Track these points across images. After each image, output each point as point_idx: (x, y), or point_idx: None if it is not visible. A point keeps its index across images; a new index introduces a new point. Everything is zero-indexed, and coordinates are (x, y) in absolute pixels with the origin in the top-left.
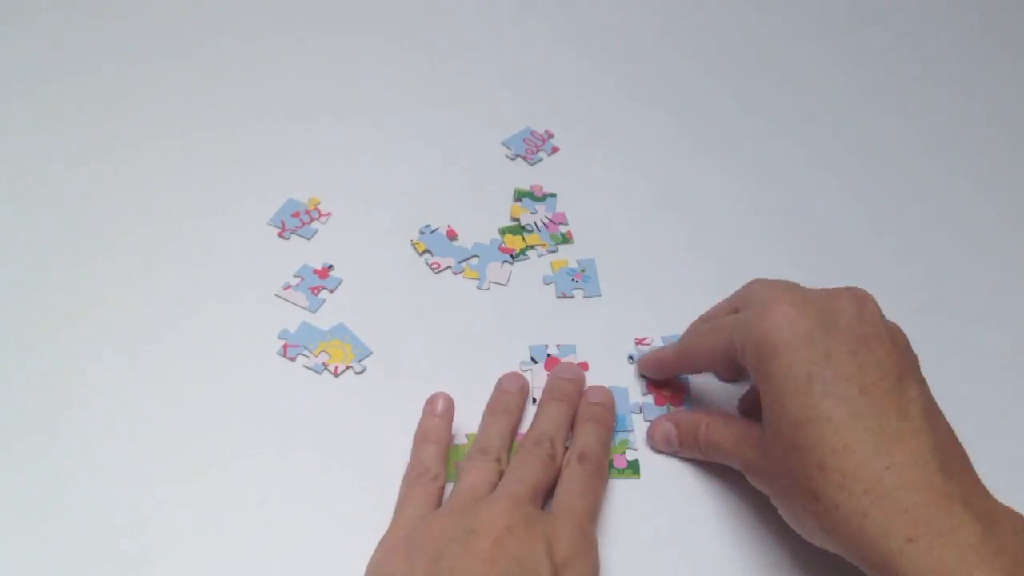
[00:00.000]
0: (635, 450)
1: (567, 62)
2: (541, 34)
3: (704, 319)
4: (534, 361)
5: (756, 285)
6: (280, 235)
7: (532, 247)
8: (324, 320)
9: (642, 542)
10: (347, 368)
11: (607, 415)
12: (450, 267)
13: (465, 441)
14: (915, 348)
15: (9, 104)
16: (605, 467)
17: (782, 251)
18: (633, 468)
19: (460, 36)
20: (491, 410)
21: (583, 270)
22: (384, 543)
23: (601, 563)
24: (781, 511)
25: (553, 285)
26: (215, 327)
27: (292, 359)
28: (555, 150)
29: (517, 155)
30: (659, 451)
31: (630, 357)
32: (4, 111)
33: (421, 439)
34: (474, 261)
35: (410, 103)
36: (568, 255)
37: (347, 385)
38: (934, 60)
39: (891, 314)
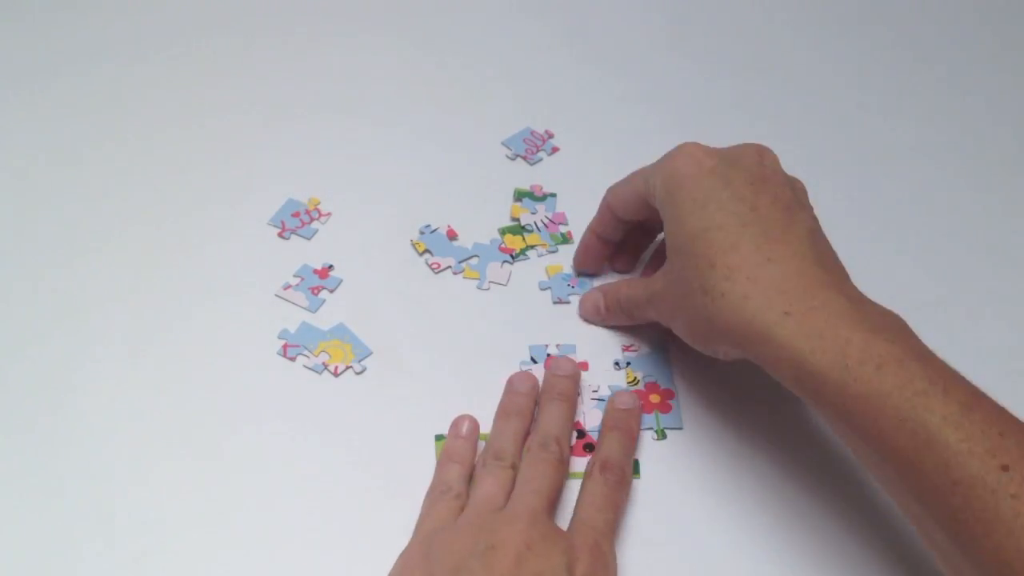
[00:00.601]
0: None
1: (567, 62)
2: (541, 34)
3: (593, 230)
4: (534, 361)
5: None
6: (280, 235)
7: (532, 247)
8: (324, 320)
9: (643, 542)
10: (347, 368)
11: (632, 424)
12: (450, 267)
13: None
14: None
15: (8, 103)
16: (629, 478)
17: None
18: (634, 469)
19: (461, 36)
20: (503, 412)
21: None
22: (403, 557)
23: None
24: (678, 328)
25: (549, 291)
26: (215, 327)
27: (292, 359)
28: (555, 150)
29: (517, 155)
30: (590, 320)
31: (616, 363)
32: (3, 109)
33: (446, 459)
34: (474, 261)
35: (410, 103)
36: (566, 258)
37: (347, 385)
38: (937, 58)
39: (900, 310)
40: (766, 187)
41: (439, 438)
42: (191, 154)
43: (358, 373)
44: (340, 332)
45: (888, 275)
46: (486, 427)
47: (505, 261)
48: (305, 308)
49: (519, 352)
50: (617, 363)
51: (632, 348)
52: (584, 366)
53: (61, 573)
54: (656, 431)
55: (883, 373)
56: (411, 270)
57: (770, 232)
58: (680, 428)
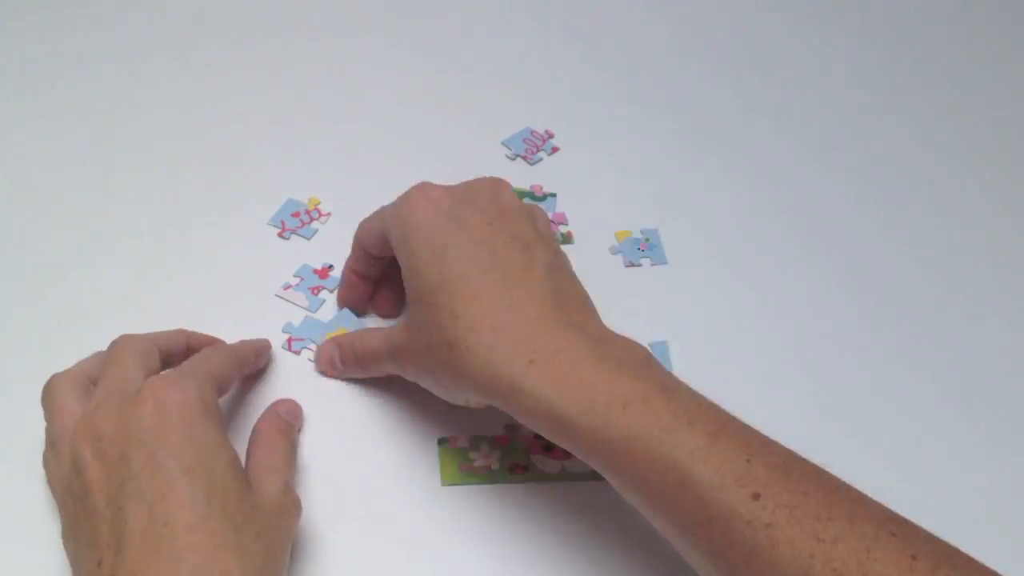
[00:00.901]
0: None
1: (567, 61)
2: (542, 34)
3: (351, 267)
4: None
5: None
6: (280, 235)
7: None
8: (324, 320)
9: (644, 543)
10: None
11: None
12: None
13: (468, 444)
14: (922, 346)
15: (8, 104)
16: (219, 351)
17: (787, 249)
18: None
19: (461, 36)
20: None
21: (648, 239)
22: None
23: (602, 566)
24: (425, 382)
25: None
26: (215, 327)
27: (297, 352)
28: (555, 150)
29: (517, 155)
30: (326, 374)
31: None
32: (3, 111)
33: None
34: None
35: (410, 103)
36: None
37: (348, 384)
38: (940, 59)
39: (897, 311)
40: (504, 225)
41: (441, 441)
42: (191, 155)
43: None
44: (344, 320)
45: (888, 275)
46: (485, 429)
47: None
48: (305, 308)
49: None
50: None
51: None
52: None
53: None
54: None
55: (629, 413)
56: None
57: (509, 276)
58: None
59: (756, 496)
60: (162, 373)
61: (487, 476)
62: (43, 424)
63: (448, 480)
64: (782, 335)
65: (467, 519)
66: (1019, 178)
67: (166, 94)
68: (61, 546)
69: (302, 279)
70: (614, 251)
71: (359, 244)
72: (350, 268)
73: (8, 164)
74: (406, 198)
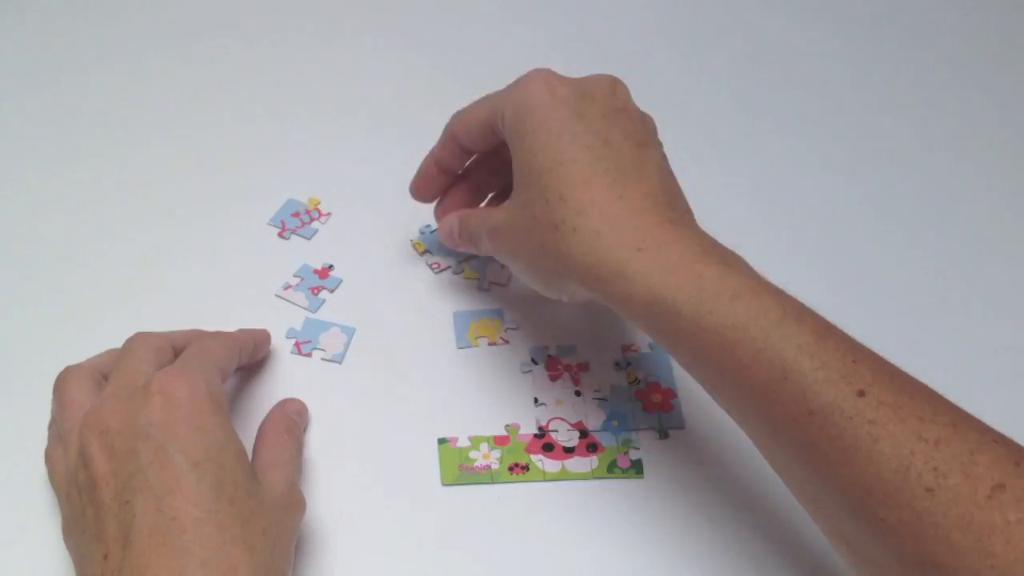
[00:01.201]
0: (638, 449)
1: (565, 61)
2: (539, 34)
3: (435, 160)
4: (534, 363)
5: None
6: (280, 235)
7: None
8: (331, 315)
9: (646, 543)
10: None
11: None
12: (450, 267)
13: (468, 444)
14: (924, 344)
15: (9, 103)
16: (219, 338)
17: (785, 251)
18: (636, 468)
19: (457, 34)
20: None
21: None
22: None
23: (603, 566)
24: (518, 266)
25: None
26: (216, 327)
27: (308, 355)
28: None
29: None
30: (447, 244)
31: (616, 364)
32: (3, 111)
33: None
34: (474, 261)
35: (410, 103)
36: None
37: (348, 383)
38: (939, 58)
39: (901, 310)
40: (619, 120)
41: (442, 441)
42: (191, 155)
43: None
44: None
45: (889, 275)
46: (485, 429)
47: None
48: (305, 308)
49: (519, 352)
50: (618, 363)
51: (633, 348)
52: (585, 366)
53: None
54: (659, 430)
55: (738, 304)
56: (411, 270)
57: (623, 168)
58: (682, 427)
59: (861, 393)
60: (168, 367)
61: (487, 476)
62: (45, 421)
63: (448, 480)
64: None
65: (467, 519)
66: (1019, 178)
67: (166, 94)
68: (60, 543)
69: (302, 279)
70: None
71: (452, 135)
72: (433, 159)
73: (8, 162)
74: (523, 82)
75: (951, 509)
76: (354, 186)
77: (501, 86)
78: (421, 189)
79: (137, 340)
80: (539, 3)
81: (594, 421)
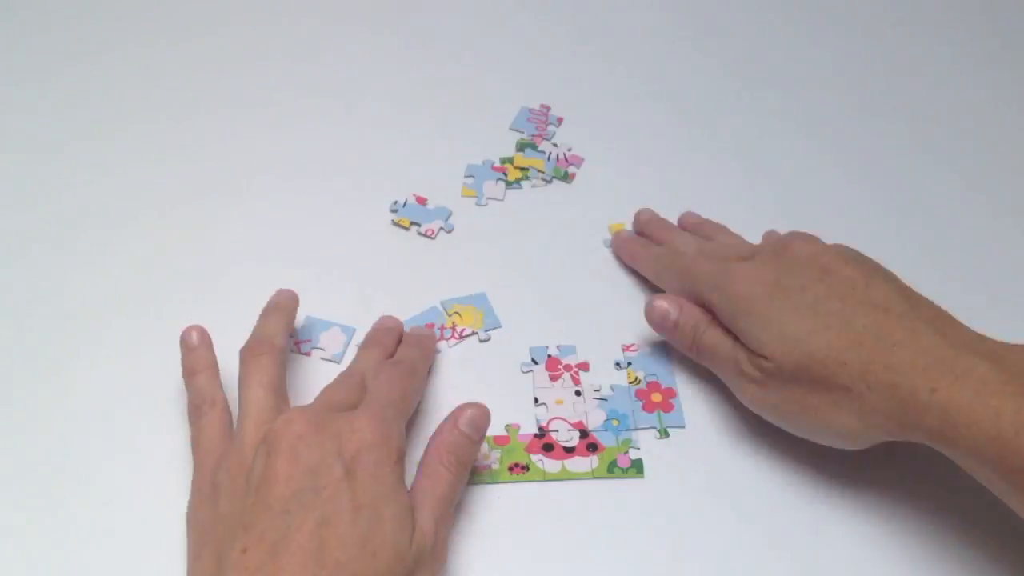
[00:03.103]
0: (638, 449)
1: (566, 62)
2: (537, 34)
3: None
4: (535, 363)
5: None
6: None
7: (528, 170)
8: (328, 312)
9: (647, 543)
10: (472, 333)
11: (429, 342)
12: (442, 227)
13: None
14: None
15: (10, 101)
16: (418, 370)
17: None
18: (637, 468)
19: (456, 36)
20: (365, 343)
21: None
22: (193, 491)
23: (605, 566)
24: (810, 428)
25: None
26: (217, 328)
27: (308, 354)
28: (560, 120)
29: (532, 135)
30: (653, 327)
31: (617, 364)
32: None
33: (188, 373)
34: (470, 180)
35: (411, 104)
36: (561, 193)
37: None
38: (939, 59)
39: None
40: (836, 275)
41: None
42: (191, 155)
43: (482, 341)
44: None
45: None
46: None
47: (499, 179)
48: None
49: (519, 354)
50: (618, 363)
51: (633, 347)
52: (585, 366)
53: None
54: (659, 430)
55: None
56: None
57: (879, 320)
58: (683, 427)
59: None
60: (374, 407)
61: (487, 476)
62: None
63: None
64: None
65: (468, 519)
66: (1020, 178)
67: (157, 93)
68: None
69: None
70: (607, 244)
71: (657, 285)
72: (647, 272)
73: (7, 164)
74: (729, 275)
75: None
76: (356, 184)
77: (487, 73)
78: (629, 257)
79: (364, 356)
80: (536, 3)
81: (594, 421)
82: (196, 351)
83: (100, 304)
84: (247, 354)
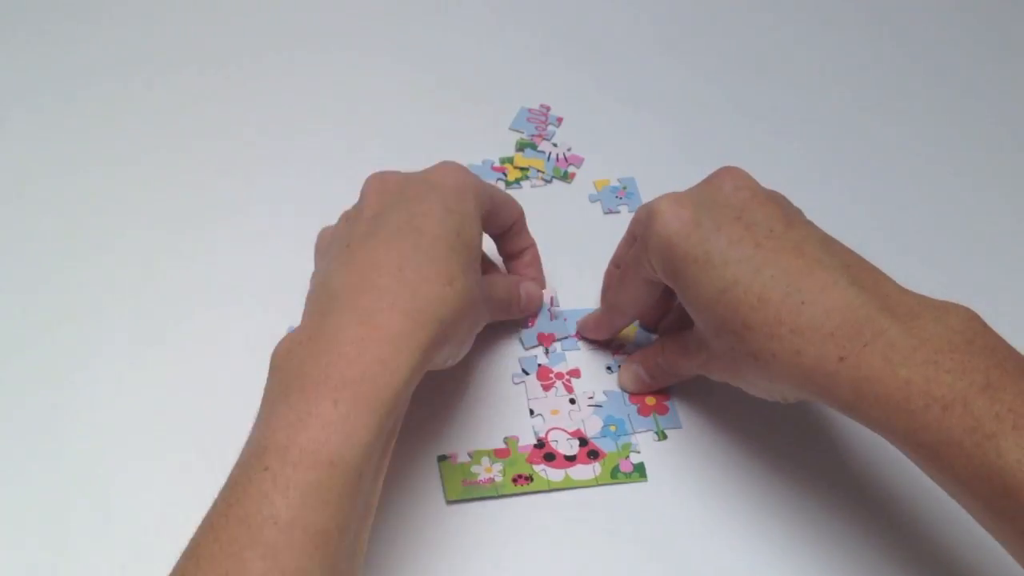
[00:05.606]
0: (639, 453)
1: (566, 62)
2: (538, 34)
3: (615, 262)
4: (525, 373)
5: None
6: None
7: (528, 170)
8: None
9: (649, 544)
10: None
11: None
12: None
13: (469, 459)
14: None
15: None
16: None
17: None
18: (639, 471)
19: (456, 36)
20: None
21: (625, 187)
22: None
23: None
24: (736, 383)
25: (599, 203)
26: (218, 328)
27: None
28: (560, 120)
29: (532, 135)
30: (634, 392)
31: (608, 368)
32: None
33: None
34: None
35: (411, 106)
36: (558, 193)
37: None
38: (937, 59)
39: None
40: (754, 215)
41: (442, 458)
42: (192, 162)
43: None
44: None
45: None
46: (483, 443)
47: (499, 179)
48: None
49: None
50: (609, 367)
51: (623, 351)
52: (576, 373)
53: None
54: (656, 432)
55: (948, 417)
56: None
57: (789, 268)
58: (679, 428)
59: None
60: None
61: (491, 488)
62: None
63: (453, 496)
64: None
65: (476, 533)
66: (1020, 178)
67: (157, 109)
68: None
69: None
70: (592, 199)
71: (619, 313)
72: (608, 325)
73: (8, 168)
74: (647, 223)
75: None
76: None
77: (483, 76)
78: (593, 330)
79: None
80: (534, 2)
81: (592, 428)
82: None
83: (100, 304)
84: None
